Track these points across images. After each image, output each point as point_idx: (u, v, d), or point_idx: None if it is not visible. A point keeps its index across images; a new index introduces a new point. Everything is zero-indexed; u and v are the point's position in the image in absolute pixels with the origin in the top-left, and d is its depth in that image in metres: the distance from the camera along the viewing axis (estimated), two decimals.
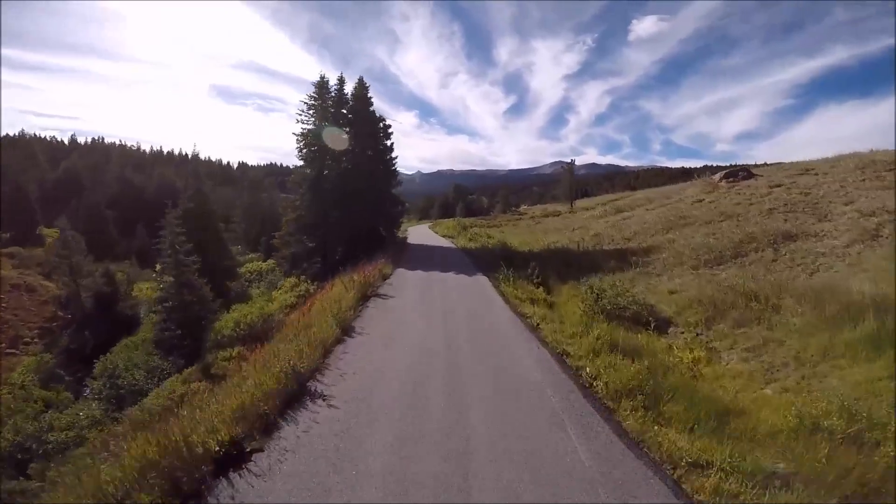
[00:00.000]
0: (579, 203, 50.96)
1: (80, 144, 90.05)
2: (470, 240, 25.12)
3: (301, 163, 22.74)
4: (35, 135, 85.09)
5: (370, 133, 23.16)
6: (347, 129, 22.20)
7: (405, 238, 30.25)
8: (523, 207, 73.30)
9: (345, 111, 23.06)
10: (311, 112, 22.95)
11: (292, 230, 22.46)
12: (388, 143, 24.68)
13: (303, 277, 19.54)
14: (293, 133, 22.56)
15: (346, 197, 20.94)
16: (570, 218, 35.99)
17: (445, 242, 26.19)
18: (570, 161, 55.60)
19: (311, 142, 22.01)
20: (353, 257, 17.57)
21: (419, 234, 37.34)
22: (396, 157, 25.05)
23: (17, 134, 79.20)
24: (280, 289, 19.41)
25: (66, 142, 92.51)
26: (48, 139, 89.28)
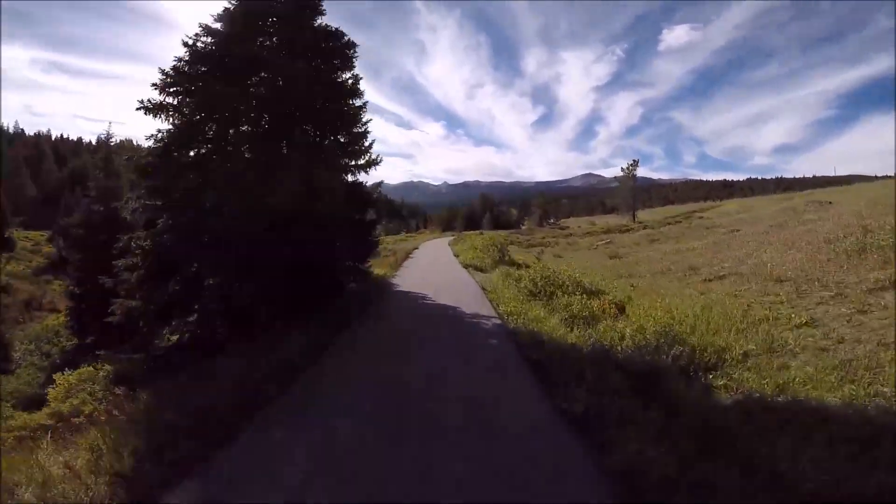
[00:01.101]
0: (642, 215, 39.84)
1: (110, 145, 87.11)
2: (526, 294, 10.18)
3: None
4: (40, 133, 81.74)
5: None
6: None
7: (393, 270, 16.71)
8: (564, 221, 62.34)
9: None
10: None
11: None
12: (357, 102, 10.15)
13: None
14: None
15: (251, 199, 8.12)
16: (663, 236, 25.07)
17: (470, 284, 12.73)
18: (632, 163, 43.14)
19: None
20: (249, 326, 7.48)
21: (429, 259, 22.88)
22: (373, 142, 10.34)
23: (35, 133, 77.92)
24: None
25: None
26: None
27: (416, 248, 29.97)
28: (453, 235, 45.46)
